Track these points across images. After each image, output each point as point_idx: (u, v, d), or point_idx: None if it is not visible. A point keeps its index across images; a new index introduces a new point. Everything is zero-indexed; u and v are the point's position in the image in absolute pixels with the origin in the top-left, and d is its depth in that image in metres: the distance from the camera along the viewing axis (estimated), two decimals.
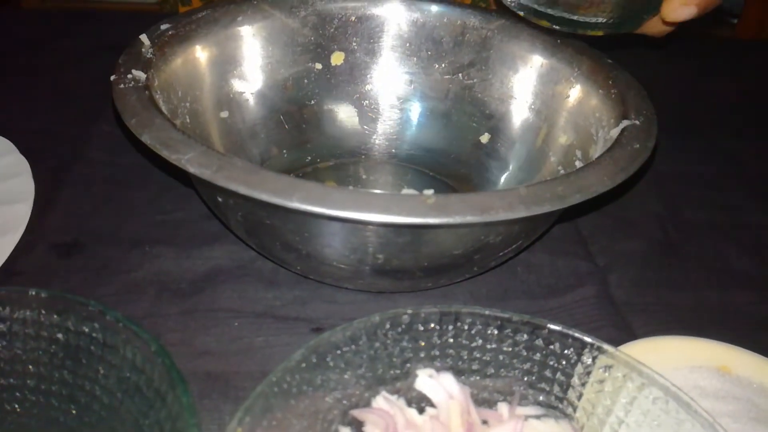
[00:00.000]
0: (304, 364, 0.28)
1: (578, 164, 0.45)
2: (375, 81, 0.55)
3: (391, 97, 0.55)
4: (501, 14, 0.53)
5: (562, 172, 0.47)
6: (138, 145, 0.35)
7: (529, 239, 0.42)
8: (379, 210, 0.31)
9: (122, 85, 0.40)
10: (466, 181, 0.52)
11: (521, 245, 0.42)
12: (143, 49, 0.44)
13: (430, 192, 0.34)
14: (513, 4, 0.43)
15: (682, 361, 0.37)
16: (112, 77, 0.40)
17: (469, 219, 0.32)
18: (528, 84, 0.51)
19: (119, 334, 0.28)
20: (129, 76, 0.41)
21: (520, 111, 0.52)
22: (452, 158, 0.54)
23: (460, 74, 0.54)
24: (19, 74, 0.64)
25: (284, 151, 0.53)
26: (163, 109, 0.42)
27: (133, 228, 0.47)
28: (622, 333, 0.41)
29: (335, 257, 0.38)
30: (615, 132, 0.41)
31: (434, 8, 0.54)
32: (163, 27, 0.47)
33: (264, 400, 0.26)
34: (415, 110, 0.55)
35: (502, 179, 0.51)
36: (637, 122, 0.41)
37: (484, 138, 0.53)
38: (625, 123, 0.41)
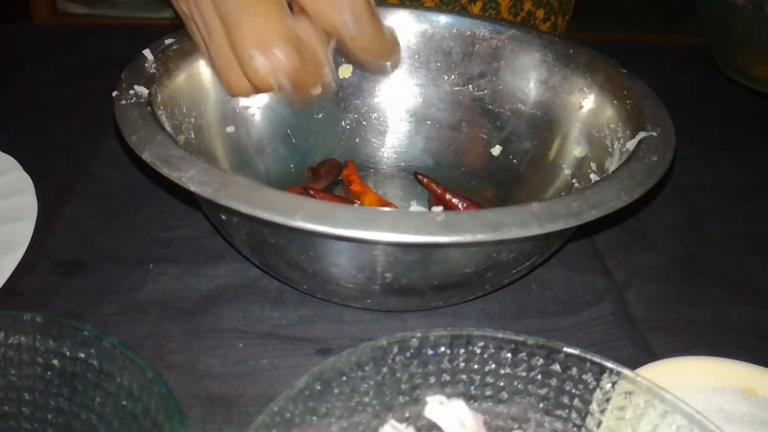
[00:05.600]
0: (307, 392, 0.27)
1: (593, 177, 0.44)
2: (383, 93, 0.54)
3: (400, 110, 0.54)
4: (511, 24, 0.52)
5: (576, 185, 0.46)
6: (140, 162, 0.34)
7: (543, 256, 0.40)
8: (386, 228, 0.30)
9: (124, 101, 0.39)
10: (476, 195, 0.51)
11: (535, 262, 0.40)
12: (146, 64, 0.43)
13: (439, 208, 0.32)
14: None
15: (704, 383, 0.36)
16: (114, 93, 0.40)
17: (480, 237, 0.30)
18: (540, 95, 0.50)
19: (116, 360, 0.27)
20: (131, 91, 0.40)
21: (532, 122, 0.50)
22: (463, 171, 0.53)
23: (470, 85, 0.53)
24: (24, 90, 0.64)
25: (291, 165, 0.52)
26: (167, 125, 0.41)
27: (137, 246, 0.46)
28: (642, 353, 0.40)
29: (342, 276, 0.37)
30: (631, 144, 0.40)
31: (443, 19, 0.53)
32: (167, 41, 0.46)
33: (266, 430, 0.25)
34: (425, 122, 0.54)
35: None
36: (655, 133, 0.40)
37: (496, 150, 0.52)
38: (642, 134, 0.40)
